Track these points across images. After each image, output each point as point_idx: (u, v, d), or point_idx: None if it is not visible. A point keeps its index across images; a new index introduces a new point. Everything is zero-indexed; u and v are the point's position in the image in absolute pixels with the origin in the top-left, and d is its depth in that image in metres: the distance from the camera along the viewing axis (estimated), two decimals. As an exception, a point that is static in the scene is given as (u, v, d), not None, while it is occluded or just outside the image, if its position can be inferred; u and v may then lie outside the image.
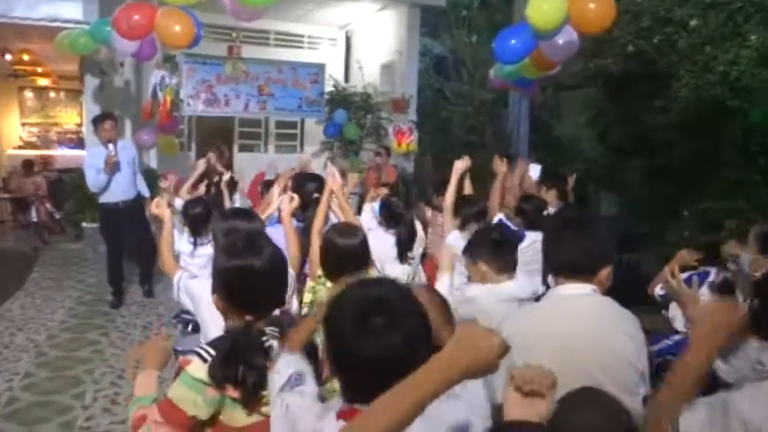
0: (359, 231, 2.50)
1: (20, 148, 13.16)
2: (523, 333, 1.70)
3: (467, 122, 9.25)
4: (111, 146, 5.35)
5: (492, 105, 9.61)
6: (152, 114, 7.05)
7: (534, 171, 4.95)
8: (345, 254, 2.42)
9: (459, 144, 9.43)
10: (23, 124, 13.73)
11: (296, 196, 3.02)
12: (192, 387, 1.53)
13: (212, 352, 1.57)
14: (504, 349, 0.99)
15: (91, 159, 5.56)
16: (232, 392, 1.55)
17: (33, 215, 9.14)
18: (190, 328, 3.76)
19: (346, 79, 11.09)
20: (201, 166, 5.01)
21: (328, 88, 9.97)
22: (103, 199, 5.67)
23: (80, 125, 14.09)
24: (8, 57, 10.46)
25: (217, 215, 2.44)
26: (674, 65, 5.63)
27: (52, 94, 13.88)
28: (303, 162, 5.03)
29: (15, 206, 10.31)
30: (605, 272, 1.80)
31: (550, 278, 1.93)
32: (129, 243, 5.96)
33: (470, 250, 2.47)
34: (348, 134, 9.46)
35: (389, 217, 3.51)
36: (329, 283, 2.49)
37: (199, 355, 1.58)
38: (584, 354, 1.72)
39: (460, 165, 5.01)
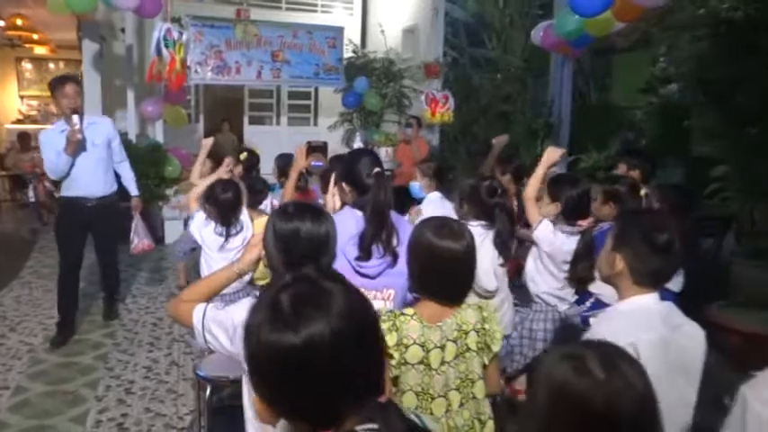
0: (466, 232, 1.77)
1: (18, 122, 12.51)
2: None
3: (501, 91, 8.46)
4: (75, 117, 3.94)
5: (525, 72, 8.83)
6: (160, 76, 6.00)
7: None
8: (449, 268, 1.74)
9: (492, 114, 8.69)
10: (22, 97, 13.13)
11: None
12: None
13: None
14: None
15: (48, 137, 4.18)
16: None
17: (31, 194, 8.48)
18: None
19: (363, 45, 10.29)
20: (208, 143, 4.15)
21: (347, 54, 9.19)
22: (65, 191, 4.27)
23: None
24: (1, 23, 9.73)
25: (274, 214, 1.73)
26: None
27: (51, 65, 13.20)
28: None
29: (13, 184, 9.67)
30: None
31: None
32: (98, 255, 4.62)
33: (617, 238, 1.71)
34: (369, 104, 8.69)
35: (481, 206, 2.80)
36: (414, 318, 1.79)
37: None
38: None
39: (501, 140, 4.32)
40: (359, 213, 2.31)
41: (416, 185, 3.87)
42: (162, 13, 6.22)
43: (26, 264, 6.15)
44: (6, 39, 11.65)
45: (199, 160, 3.93)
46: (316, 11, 10.60)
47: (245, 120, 10.71)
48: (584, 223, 2.78)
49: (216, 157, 4.46)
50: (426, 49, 8.91)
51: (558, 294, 2.85)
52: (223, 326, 1.58)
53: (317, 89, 10.68)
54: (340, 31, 8.98)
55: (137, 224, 4.57)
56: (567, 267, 2.74)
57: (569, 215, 2.79)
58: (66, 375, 3.70)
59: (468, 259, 1.74)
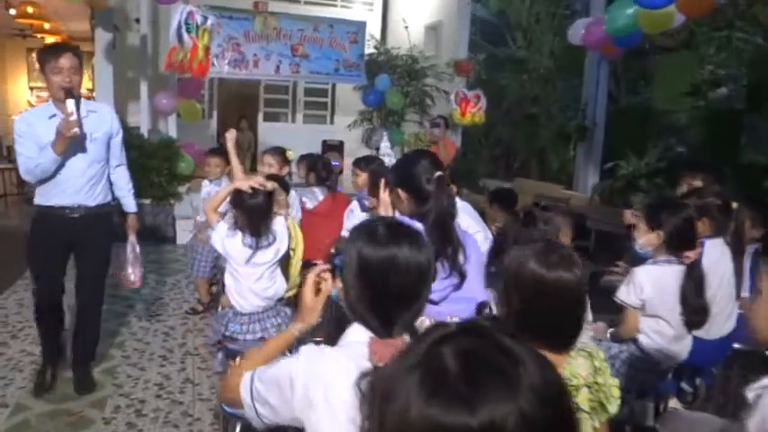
0: (575, 256, 1.40)
1: (27, 113, 12.21)
2: None
3: (529, 92, 8.09)
4: (70, 102, 2.85)
5: (555, 72, 8.47)
6: (181, 65, 5.46)
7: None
8: (561, 304, 1.37)
9: (518, 116, 8.33)
10: (32, 88, 12.89)
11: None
12: None
13: None
14: None
15: (28, 123, 3.04)
16: None
17: (39, 188, 8.15)
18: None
19: (382, 42, 9.94)
20: (233, 136, 3.67)
21: (368, 50, 8.84)
22: (42, 198, 3.16)
23: (92, 90, 13.14)
24: (12, 11, 9.42)
25: (350, 234, 1.34)
26: None
27: (62, 56, 12.89)
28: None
29: (20, 177, 9.35)
30: None
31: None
32: (77, 289, 3.36)
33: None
34: (390, 103, 8.33)
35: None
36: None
37: None
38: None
39: None
40: (418, 225, 1.97)
41: None
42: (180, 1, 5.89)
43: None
44: (17, 29, 11.39)
45: (233, 160, 3.41)
46: (335, 5, 10.28)
47: (260, 116, 10.40)
48: (692, 254, 2.43)
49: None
50: (451, 47, 8.56)
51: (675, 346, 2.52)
52: (276, 383, 1.23)
53: (334, 86, 10.36)
54: (362, 26, 8.65)
55: (132, 250, 3.49)
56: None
57: (676, 246, 2.44)
58: (71, 393, 3.34)
59: (582, 292, 1.38)
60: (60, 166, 3.03)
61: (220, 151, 4.76)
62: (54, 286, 3.26)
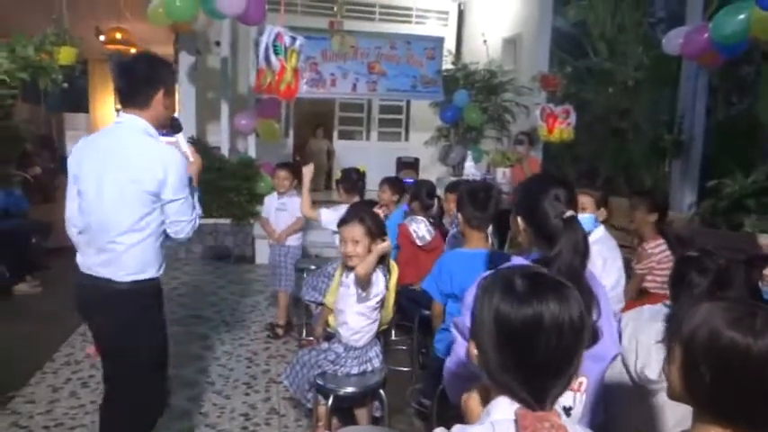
0: None
1: (114, 135, 12.76)
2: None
3: (617, 105, 7.68)
4: (182, 137, 2.48)
5: (644, 85, 8.02)
6: (269, 87, 5.40)
7: None
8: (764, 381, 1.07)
9: (604, 131, 7.93)
10: (117, 110, 13.37)
11: None
12: None
13: None
14: None
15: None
16: None
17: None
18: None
19: (458, 56, 9.75)
20: (309, 172, 3.78)
21: (446, 65, 8.67)
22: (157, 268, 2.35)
23: (175, 111, 13.58)
24: (101, 38, 9.84)
25: (491, 290, 1.13)
26: None
27: (146, 80, 13.43)
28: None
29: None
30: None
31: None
32: None
33: None
34: (469, 119, 8.09)
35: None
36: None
37: None
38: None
39: None
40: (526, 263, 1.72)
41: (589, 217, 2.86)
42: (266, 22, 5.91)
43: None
44: (106, 54, 11.91)
45: (305, 194, 3.66)
46: (410, 21, 10.18)
47: (335, 134, 10.40)
48: None
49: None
50: (530, 61, 8.27)
51: None
52: None
53: (409, 103, 10.24)
54: (440, 41, 8.50)
55: None
56: None
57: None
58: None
59: None
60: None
61: (289, 165, 4.99)
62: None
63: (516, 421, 1.06)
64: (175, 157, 2.25)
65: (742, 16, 4.19)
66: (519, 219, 1.83)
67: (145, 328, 2.31)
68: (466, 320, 1.50)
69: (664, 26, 10.31)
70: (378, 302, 2.81)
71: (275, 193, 4.87)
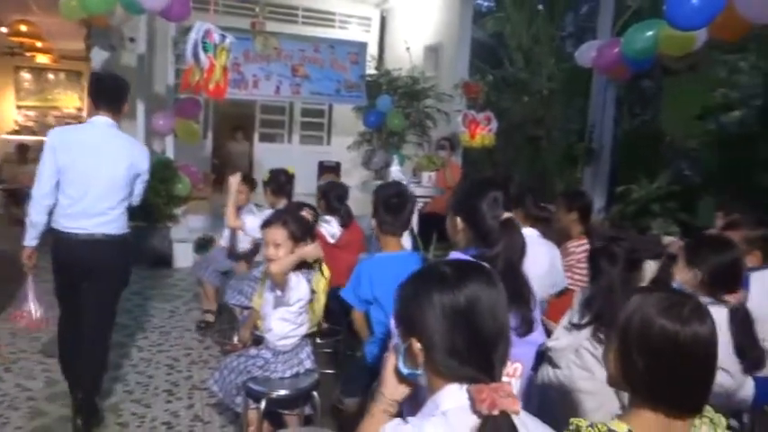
0: (704, 306, 1.23)
1: (14, 132, 12.09)
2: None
3: (534, 114, 7.99)
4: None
5: (558, 95, 8.40)
6: (197, 86, 5.16)
7: None
8: (696, 362, 1.16)
9: (522, 138, 8.23)
10: (19, 107, 12.65)
11: None
12: None
13: None
14: None
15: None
16: None
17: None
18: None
19: (380, 63, 9.86)
20: (235, 182, 3.60)
21: (369, 71, 8.73)
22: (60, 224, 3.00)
23: (80, 109, 12.95)
24: (3, 30, 9.22)
25: (427, 283, 1.18)
26: None
27: (51, 76, 12.81)
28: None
29: (9, 199, 9.08)
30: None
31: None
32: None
33: None
34: (392, 124, 8.18)
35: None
36: None
37: None
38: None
39: None
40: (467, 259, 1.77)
41: None
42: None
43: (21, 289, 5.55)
44: (6, 47, 11.16)
45: (230, 204, 3.53)
46: (333, 26, 10.19)
47: (256, 136, 10.22)
48: (733, 299, 2.26)
49: (228, 169, 4.00)
50: (451, 69, 8.48)
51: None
52: None
53: (331, 107, 10.23)
54: (363, 46, 8.55)
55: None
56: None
57: (716, 288, 2.27)
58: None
59: (715, 347, 1.19)
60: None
61: (245, 177, 4.60)
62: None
63: (471, 399, 1.09)
64: (146, 148, 3.30)
65: (651, 32, 4.48)
66: (458, 219, 1.89)
67: (129, 263, 3.27)
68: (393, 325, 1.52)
69: (573, 40, 10.91)
70: (301, 307, 2.77)
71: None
